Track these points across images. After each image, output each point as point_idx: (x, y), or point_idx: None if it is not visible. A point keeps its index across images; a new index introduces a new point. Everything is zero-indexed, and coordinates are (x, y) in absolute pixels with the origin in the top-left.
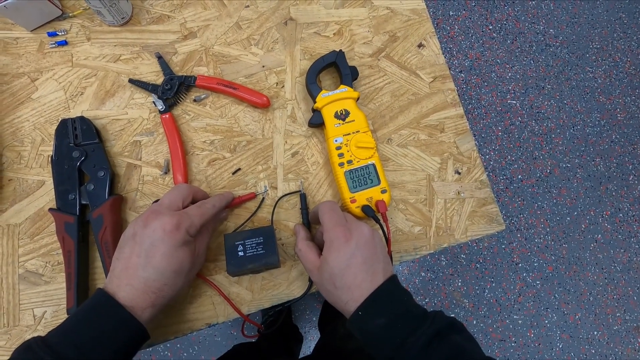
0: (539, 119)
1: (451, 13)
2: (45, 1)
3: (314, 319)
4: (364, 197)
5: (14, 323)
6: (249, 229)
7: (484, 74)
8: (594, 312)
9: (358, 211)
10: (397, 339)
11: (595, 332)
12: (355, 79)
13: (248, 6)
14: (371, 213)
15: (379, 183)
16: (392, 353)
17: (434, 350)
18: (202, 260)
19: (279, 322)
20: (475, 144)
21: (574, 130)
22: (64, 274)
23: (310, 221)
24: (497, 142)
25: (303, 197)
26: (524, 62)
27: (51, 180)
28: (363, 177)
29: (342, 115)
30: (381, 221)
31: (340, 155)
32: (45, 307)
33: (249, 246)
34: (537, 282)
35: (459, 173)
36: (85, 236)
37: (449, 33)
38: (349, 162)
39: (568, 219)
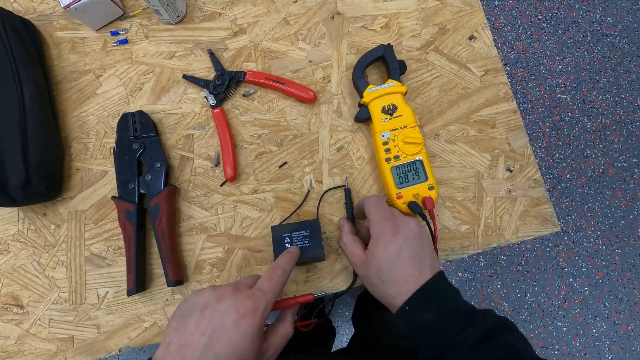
0: (592, 115)
1: (497, 3)
2: (109, 2)
3: (347, 313)
4: (410, 193)
5: (81, 301)
6: (294, 222)
7: (532, 66)
8: None
9: (404, 207)
10: (447, 335)
11: None
12: (404, 73)
13: (296, 1)
14: (418, 210)
15: (426, 179)
16: (440, 349)
17: (485, 349)
18: (270, 354)
19: (325, 314)
20: (529, 140)
21: (632, 127)
22: (124, 257)
23: (355, 215)
24: (545, 139)
25: (348, 192)
26: (577, 54)
27: (113, 170)
28: (410, 173)
29: (390, 110)
30: (428, 218)
31: (387, 150)
32: (108, 288)
33: (295, 238)
34: (585, 289)
35: (511, 171)
36: (143, 223)
37: (493, 24)
38: (396, 157)
39: (622, 222)
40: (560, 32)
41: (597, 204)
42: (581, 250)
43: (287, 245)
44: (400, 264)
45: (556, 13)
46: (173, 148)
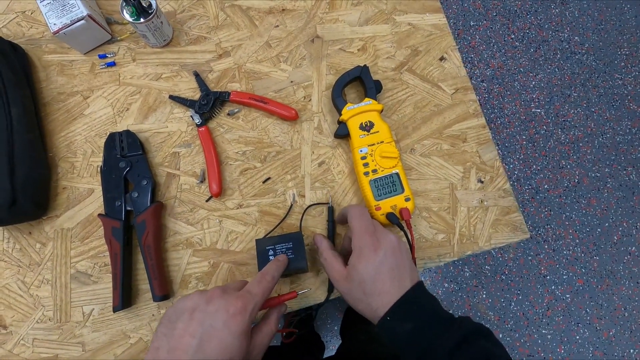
0: (565, 128)
1: (472, 23)
2: (98, 27)
3: (336, 328)
4: (388, 205)
5: (66, 319)
6: (278, 235)
7: (507, 82)
8: (629, 329)
9: (383, 218)
10: (424, 343)
11: (632, 350)
12: (379, 92)
13: (277, 26)
14: (395, 220)
15: (403, 191)
16: (419, 356)
17: (461, 354)
18: (256, 353)
19: (308, 324)
20: (498, 153)
21: (603, 138)
22: (110, 274)
23: (336, 220)
24: (522, 152)
25: (331, 210)
26: (549, 71)
27: (100, 188)
28: (387, 185)
29: (367, 127)
30: (405, 228)
31: (365, 164)
32: (93, 305)
33: (279, 251)
34: (567, 296)
35: (482, 182)
36: (130, 240)
37: (469, 43)
38: (374, 171)
39: (599, 230)
40: (532, 50)
41: (574, 212)
42: (561, 258)
43: (270, 257)
44: (381, 277)
45: (527, 33)
46: (159, 166)
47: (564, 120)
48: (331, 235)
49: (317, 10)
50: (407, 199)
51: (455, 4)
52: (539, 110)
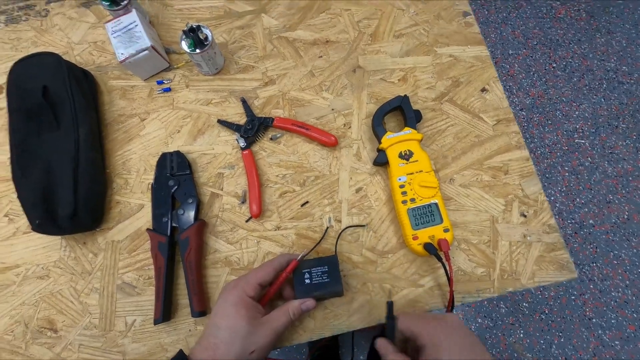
0: (612, 160)
1: (510, 52)
2: (158, 56)
3: (361, 357)
4: (426, 234)
5: (110, 327)
6: (314, 258)
7: (548, 112)
8: None
9: (420, 248)
10: None
11: None
12: (419, 121)
13: (321, 57)
14: (433, 251)
15: (442, 222)
16: None
17: None
18: (265, 335)
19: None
20: (547, 190)
21: None
22: (153, 287)
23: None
24: (564, 183)
25: (390, 306)
26: (594, 100)
27: (149, 204)
28: (426, 215)
29: (406, 156)
30: (443, 260)
31: (404, 193)
32: (135, 316)
33: (315, 274)
34: (616, 342)
35: (525, 216)
36: (173, 255)
37: (508, 71)
38: (412, 200)
39: None
40: (575, 79)
41: (623, 251)
42: (609, 300)
43: (307, 280)
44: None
45: (570, 62)
46: (204, 185)
47: (611, 153)
48: (391, 334)
49: (360, 42)
50: (445, 230)
51: (493, 32)
52: (583, 141)
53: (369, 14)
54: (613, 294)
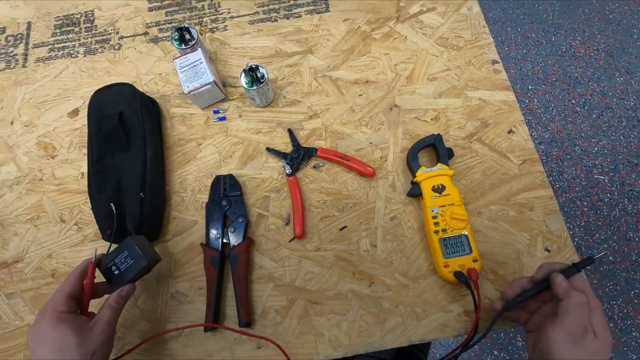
0: (633, 197)
1: (530, 87)
2: (217, 89)
3: None
4: (456, 263)
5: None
6: (111, 251)
7: (567, 147)
8: None
9: (450, 276)
10: None
11: None
12: (451, 158)
13: (361, 95)
14: (463, 279)
15: (471, 252)
16: None
17: None
18: (99, 333)
19: None
20: (566, 224)
21: None
22: (202, 297)
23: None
24: (583, 218)
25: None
26: (613, 138)
27: (202, 220)
28: (456, 245)
29: (439, 189)
30: (472, 288)
31: (436, 224)
32: (185, 323)
33: (119, 263)
34: None
35: (549, 251)
36: (223, 269)
37: (527, 105)
38: (444, 230)
39: None
40: (594, 116)
41: None
42: (630, 341)
43: (115, 272)
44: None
45: (589, 99)
46: (252, 206)
47: (631, 190)
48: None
49: (397, 83)
50: (474, 260)
51: (513, 68)
52: (602, 177)
53: (405, 58)
54: (634, 333)
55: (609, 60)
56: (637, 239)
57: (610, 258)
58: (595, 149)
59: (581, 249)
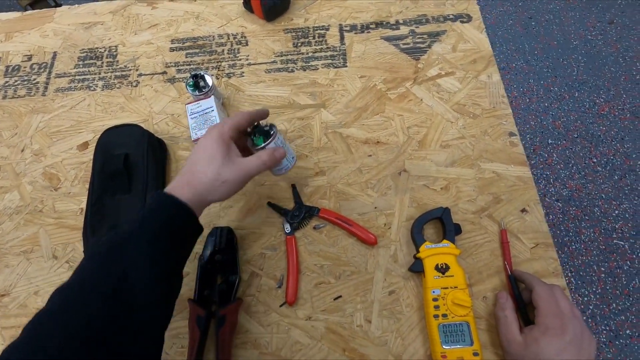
0: None
1: (550, 141)
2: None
3: None
4: (455, 355)
5: None
6: None
7: (585, 207)
8: None
9: None
10: None
11: None
12: (458, 235)
13: (370, 155)
14: None
15: (472, 344)
16: None
17: None
18: (237, 170)
19: None
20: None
21: None
22: (183, 357)
23: (516, 277)
24: (599, 285)
25: (513, 280)
26: (635, 202)
27: (194, 273)
28: (456, 333)
29: (442, 269)
30: None
31: (436, 307)
32: None
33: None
34: None
35: None
36: (207, 329)
37: (546, 160)
38: (444, 315)
39: None
40: (616, 177)
41: None
42: None
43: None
44: None
45: (612, 159)
46: (247, 263)
47: None
48: (517, 294)
49: (408, 147)
50: (475, 354)
51: (533, 120)
52: (622, 243)
53: (419, 122)
54: None
55: (634, 121)
56: None
57: (628, 332)
58: (616, 212)
59: (596, 319)
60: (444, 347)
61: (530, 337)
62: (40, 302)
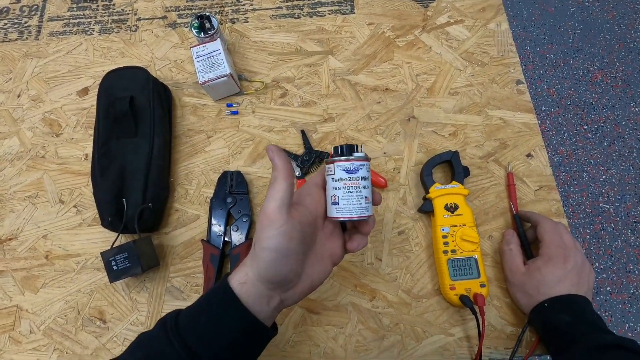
0: (636, 230)
1: (543, 108)
2: (233, 82)
3: None
4: (463, 286)
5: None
6: (115, 247)
7: (575, 172)
8: None
9: (455, 299)
10: (577, 336)
11: None
12: (467, 177)
13: (379, 102)
14: (469, 304)
15: (479, 277)
16: (567, 345)
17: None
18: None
19: None
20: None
21: None
22: (198, 295)
23: (521, 216)
24: (584, 246)
25: (518, 219)
26: (622, 167)
27: (205, 215)
28: (464, 267)
29: (452, 208)
30: (478, 313)
31: (446, 243)
32: None
33: (119, 260)
34: None
35: None
36: (221, 267)
37: (539, 127)
38: (453, 251)
39: None
40: (605, 144)
41: (639, 324)
42: None
43: (114, 267)
44: (562, 286)
45: (602, 126)
46: (257, 206)
47: (635, 222)
48: (522, 238)
49: (417, 94)
50: (482, 285)
51: (528, 87)
52: (607, 207)
53: (428, 69)
54: None
55: (626, 89)
56: (636, 272)
57: (608, 289)
58: (604, 177)
59: None
60: (452, 279)
61: (533, 267)
62: (50, 245)
